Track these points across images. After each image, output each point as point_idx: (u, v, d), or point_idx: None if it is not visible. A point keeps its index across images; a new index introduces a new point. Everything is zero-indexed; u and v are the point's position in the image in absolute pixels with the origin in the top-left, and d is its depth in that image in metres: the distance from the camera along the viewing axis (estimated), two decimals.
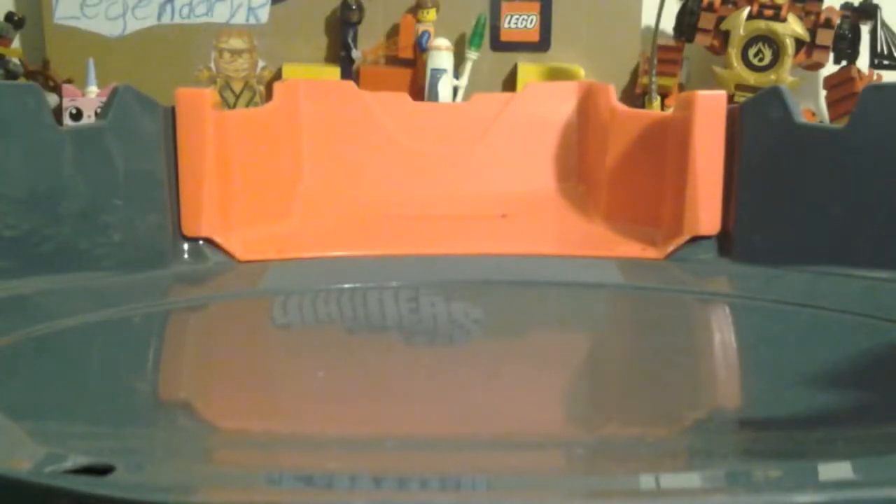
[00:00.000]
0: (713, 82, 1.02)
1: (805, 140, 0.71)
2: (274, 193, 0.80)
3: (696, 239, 0.74)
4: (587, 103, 0.87)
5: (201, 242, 0.73)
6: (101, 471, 0.30)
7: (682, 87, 1.05)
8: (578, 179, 0.85)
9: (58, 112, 0.92)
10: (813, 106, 1.08)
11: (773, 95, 0.72)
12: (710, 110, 0.73)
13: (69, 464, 0.31)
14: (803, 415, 0.44)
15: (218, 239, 0.73)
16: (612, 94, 0.84)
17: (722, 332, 0.62)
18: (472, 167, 0.86)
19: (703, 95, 0.74)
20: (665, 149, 0.76)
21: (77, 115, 0.92)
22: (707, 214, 0.73)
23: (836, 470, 0.35)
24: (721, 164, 0.73)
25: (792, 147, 0.71)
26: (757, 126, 0.72)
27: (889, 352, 0.54)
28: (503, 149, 0.87)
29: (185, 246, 0.73)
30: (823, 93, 1.07)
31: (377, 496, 0.31)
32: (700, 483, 0.35)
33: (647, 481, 0.35)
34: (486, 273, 0.70)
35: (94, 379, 0.50)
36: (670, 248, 0.74)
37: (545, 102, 0.88)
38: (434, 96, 0.98)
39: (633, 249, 0.75)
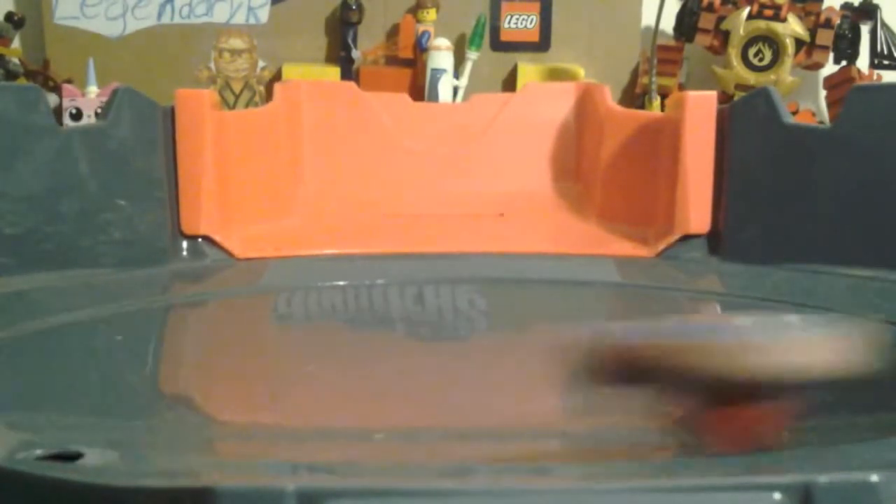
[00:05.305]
0: (713, 82, 1.02)
1: (792, 140, 0.71)
2: (273, 192, 0.81)
3: (686, 237, 0.74)
4: (584, 104, 0.87)
5: (200, 240, 0.74)
6: (71, 457, 0.32)
7: (682, 87, 1.04)
8: (575, 179, 0.86)
9: (58, 112, 0.92)
10: (813, 106, 1.08)
11: (762, 96, 0.72)
12: (700, 111, 0.74)
13: (39, 451, 0.32)
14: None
15: (217, 237, 0.74)
16: (608, 94, 0.84)
17: None
18: (470, 167, 0.87)
19: (694, 96, 0.74)
20: (658, 149, 0.77)
21: (77, 115, 0.93)
22: (697, 213, 0.74)
23: (808, 456, 0.36)
24: (711, 163, 0.74)
25: (780, 147, 0.72)
26: (746, 126, 0.73)
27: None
28: (501, 149, 0.87)
29: (185, 243, 0.73)
30: (823, 93, 1.07)
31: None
32: (683, 467, 0.35)
33: (632, 469, 0.36)
34: (483, 271, 0.71)
35: (89, 373, 0.51)
36: (661, 247, 0.74)
37: (543, 103, 0.88)
38: (434, 96, 0.98)
39: (625, 248, 0.76)
